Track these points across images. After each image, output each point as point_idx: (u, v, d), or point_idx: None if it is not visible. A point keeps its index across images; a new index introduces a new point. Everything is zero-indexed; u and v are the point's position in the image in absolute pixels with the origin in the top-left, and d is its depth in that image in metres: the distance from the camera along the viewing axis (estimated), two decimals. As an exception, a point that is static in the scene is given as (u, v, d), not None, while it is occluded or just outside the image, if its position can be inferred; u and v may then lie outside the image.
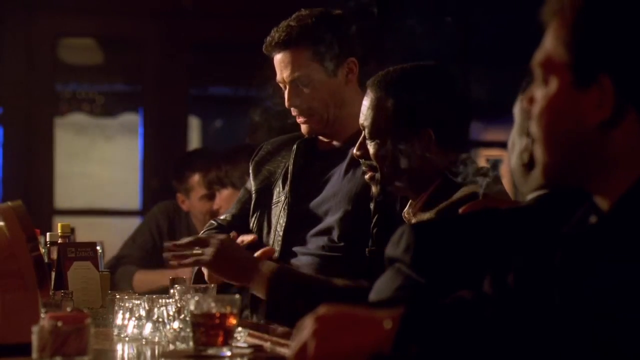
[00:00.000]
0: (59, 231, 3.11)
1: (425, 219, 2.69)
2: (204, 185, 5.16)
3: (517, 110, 2.09)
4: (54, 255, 3.06)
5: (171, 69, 6.25)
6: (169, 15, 6.21)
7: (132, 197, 6.35)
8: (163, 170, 5.94)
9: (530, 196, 2.04)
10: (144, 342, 2.54)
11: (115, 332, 2.62)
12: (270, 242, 3.22)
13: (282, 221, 3.19)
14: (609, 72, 1.58)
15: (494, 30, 5.63)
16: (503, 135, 4.90)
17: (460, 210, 2.24)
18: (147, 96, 6.33)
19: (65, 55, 6.39)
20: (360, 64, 3.19)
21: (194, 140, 6.47)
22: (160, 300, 2.57)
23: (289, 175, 3.23)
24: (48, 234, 3.13)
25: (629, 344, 1.49)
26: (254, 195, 3.32)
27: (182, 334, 2.41)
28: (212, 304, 2.21)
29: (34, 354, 2.03)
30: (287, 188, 3.22)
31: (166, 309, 2.53)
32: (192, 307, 2.22)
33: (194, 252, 3.02)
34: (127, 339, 2.58)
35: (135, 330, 2.58)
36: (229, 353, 2.23)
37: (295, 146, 3.25)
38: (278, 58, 3.17)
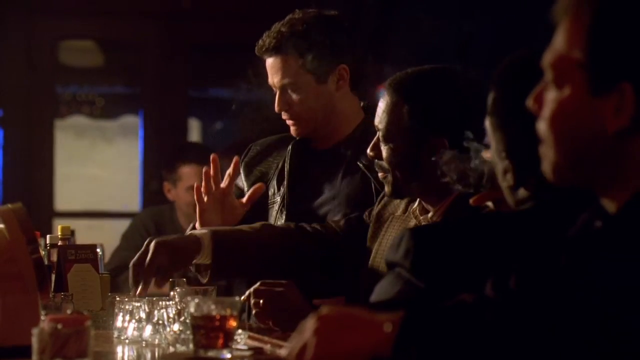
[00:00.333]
0: (59, 233, 3.11)
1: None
2: (194, 176, 5.19)
3: (488, 126, 2.04)
4: (54, 258, 3.05)
5: (171, 71, 6.25)
6: (169, 18, 6.21)
7: (132, 199, 6.35)
8: (163, 172, 5.93)
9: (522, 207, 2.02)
10: (144, 345, 2.54)
11: (116, 334, 2.62)
12: None
13: (280, 222, 3.19)
14: (631, 80, 1.53)
15: (495, 30, 5.62)
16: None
17: (470, 201, 2.22)
18: (147, 98, 6.33)
19: (65, 57, 6.40)
20: (352, 70, 3.19)
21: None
22: (160, 303, 2.57)
23: (285, 176, 3.23)
24: (48, 236, 3.12)
25: (636, 349, 1.48)
26: None
27: (182, 336, 2.41)
28: (212, 307, 2.21)
29: (34, 357, 2.03)
30: (283, 189, 3.22)
31: (166, 311, 2.53)
32: (192, 310, 2.22)
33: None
34: (127, 341, 2.58)
35: (136, 333, 2.58)
36: (229, 355, 2.22)
37: (290, 147, 3.25)
38: (269, 62, 3.18)
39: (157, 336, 2.53)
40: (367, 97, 3.29)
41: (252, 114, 3.95)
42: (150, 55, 6.27)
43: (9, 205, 2.49)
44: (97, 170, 6.63)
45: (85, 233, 5.38)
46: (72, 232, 3.26)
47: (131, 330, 2.58)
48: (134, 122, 6.44)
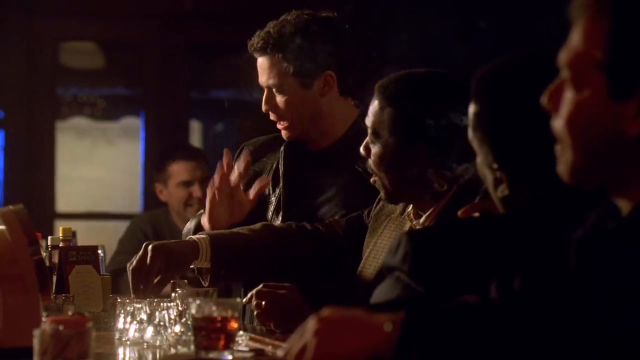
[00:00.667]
0: (61, 235, 3.11)
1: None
2: (184, 172, 5.22)
3: (472, 139, 2.02)
4: (55, 259, 3.05)
5: (172, 72, 6.25)
6: (170, 19, 6.21)
7: (134, 201, 6.35)
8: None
9: None
10: (145, 346, 2.54)
11: (117, 335, 2.62)
12: None
13: (276, 223, 3.19)
14: None
15: (496, 32, 5.62)
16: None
17: (459, 213, 2.22)
18: (148, 100, 6.33)
19: (66, 58, 6.40)
20: (340, 76, 3.19)
21: (195, 144, 6.47)
22: (161, 304, 2.57)
23: (280, 178, 3.23)
24: (49, 237, 3.12)
25: None
26: None
27: (184, 337, 2.41)
28: (214, 308, 2.21)
29: (35, 358, 2.03)
30: (279, 190, 3.22)
31: (167, 312, 2.53)
32: (193, 311, 2.22)
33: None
34: (128, 342, 2.58)
35: (137, 334, 2.58)
36: (230, 357, 2.22)
37: (282, 148, 3.25)
38: (258, 62, 3.20)
39: (159, 338, 2.53)
40: (367, 97, 3.29)
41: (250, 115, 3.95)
42: (151, 57, 6.27)
43: (10, 207, 2.49)
44: (98, 172, 6.63)
45: (87, 234, 5.38)
46: (74, 234, 3.26)
47: (132, 331, 2.58)
48: (135, 123, 6.44)
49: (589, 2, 1.57)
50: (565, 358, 1.54)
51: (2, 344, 2.35)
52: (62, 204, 6.26)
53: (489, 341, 1.61)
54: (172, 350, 2.43)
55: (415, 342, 1.63)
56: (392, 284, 1.97)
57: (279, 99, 3.17)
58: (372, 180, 2.80)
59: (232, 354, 2.23)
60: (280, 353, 2.18)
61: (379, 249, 2.85)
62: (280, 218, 3.20)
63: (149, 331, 2.55)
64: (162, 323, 2.54)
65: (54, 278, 3.02)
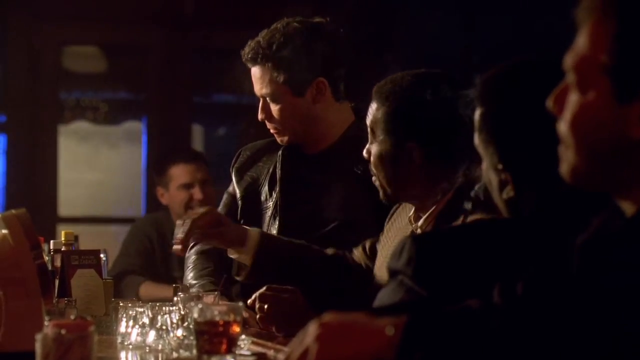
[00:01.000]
0: (63, 239, 3.11)
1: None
2: (184, 174, 5.23)
3: (477, 142, 2.03)
4: (58, 263, 3.06)
5: (174, 76, 6.26)
6: (173, 23, 6.21)
7: (136, 205, 6.35)
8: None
9: None
10: (147, 350, 2.54)
11: (119, 339, 2.62)
12: None
13: (274, 229, 3.19)
14: None
15: (499, 31, 5.62)
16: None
17: None
18: (151, 104, 6.34)
19: (69, 63, 6.40)
20: (332, 83, 3.19)
21: (198, 148, 6.47)
22: (164, 308, 2.57)
23: (277, 182, 3.23)
24: (52, 241, 3.13)
25: None
26: (239, 202, 3.32)
27: (186, 341, 2.41)
28: (216, 312, 2.21)
29: (38, 362, 2.03)
30: (276, 195, 3.23)
31: (170, 316, 2.53)
32: (195, 315, 2.22)
33: None
34: (130, 346, 2.58)
35: (139, 338, 2.58)
36: (232, 361, 2.23)
37: (280, 152, 3.26)
38: (252, 71, 3.22)
39: (161, 342, 2.53)
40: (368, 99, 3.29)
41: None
42: (153, 61, 6.27)
43: (13, 211, 2.49)
44: (101, 176, 6.63)
45: (89, 238, 5.38)
46: (76, 238, 3.26)
47: (134, 335, 2.58)
48: (137, 127, 6.44)
49: (595, 6, 1.57)
50: None
51: (5, 348, 2.35)
52: (65, 208, 6.27)
53: (492, 346, 1.61)
54: (174, 354, 2.43)
55: (418, 346, 1.63)
56: (395, 288, 1.97)
57: (273, 108, 3.19)
58: (373, 180, 2.81)
59: (234, 358, 2.23)
60: (281, 357, 2.18)
61: (386, 254, 2.84)
62: (277, 223, 3.20)
63: (151, 335, 2.55)
64: (164, 327, 2.54)
65: (56, 282, 3.02)
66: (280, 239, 3.07)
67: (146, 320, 2.57)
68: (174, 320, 2.51)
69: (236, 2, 6.18)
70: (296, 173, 3.24)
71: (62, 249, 3.08)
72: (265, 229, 3.21)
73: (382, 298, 2.02)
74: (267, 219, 3.23)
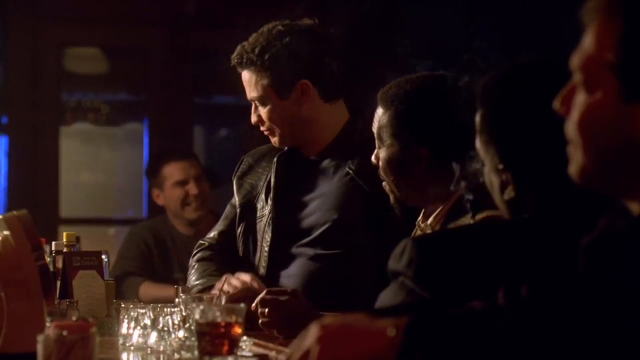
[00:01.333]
0: (64, 240, 3.11)
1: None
2: (178, 172, 5.23)
3: (479, 144, 2.03)
4: (59, 264, 3.06)
5: (176, 78, 6.26)
6: (174, 25, 6.22)
7: (137, 207, 6.35)
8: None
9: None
10: (149, 351, 2.54)
11: (121, 341, 2.62)
12: (257, 258, 3.23)
13: (268, 237, 3.20)
14: None
15: (499, 32, 5.62)
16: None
17: None
18: (152, 105, 6.34)
19: (70, 64, 6.40)
20: (318, 84, 3.19)
21: (199, 149, 6.47)
22: (165, 309, 2.57)
23: (271, 189, 3.24)
24: (53, 242, 3.13)
25: None
26: (238, 210, 3.33)
27: (187, 342, 2.41)
28: (217, 313, 2.21)
29: (40, 363, 2.04)
30: (270, 202, 3.23)
31: (171, 317, 2.53)
32: (197, 316, 2.22)
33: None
34: (132, 348, 2.58)
35: (141, 339, 2.58)
36: (234, 362, 2.23)
37: (275, 159, 3.27)
38: (242, 75, 3.25)
39: (162, 343, 2.53)
40: (368, 98, 3.29)
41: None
42: (155, 63, 6.27)
43: (14, 212, 2.49)
44: (102, 177, 6.63)
45: (91, 239, 5.38)
46: (77, 239, 3.27)
47: (136, 336, 2.58)
48: (138, 129, 6.44)
49: (600, 6, 1.58)
50: None
51: (6, 349, 2.35)
52: (66, 209, 6.27)
53: (495, 347, 1.60)
54: (176, 356, 2.43)
55: (419, 348, 1.63)
56: (396, 289, 1.97)
57: (262, 111, 3.21)
58: (382, 185, 2.81)
59: (235, 359, 2.23)
60: (282, 359, 2.18)
61: None
62: (270, 231, 3.21)
63: (153, 336, 2.55)
64: (165, 328, 2.54)
65: (58, 283, 3.02)
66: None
67: (148, 321, 2.57)
68: (176, 322, 2.51)
69: (237, 3, 6.18)
70: (290, 180, 3.25)
71: (64, 251, 3.08)
72: (260, 237, 3.23)
73: (383, 299, 2.02)
74: (262, 226, 3.24)
